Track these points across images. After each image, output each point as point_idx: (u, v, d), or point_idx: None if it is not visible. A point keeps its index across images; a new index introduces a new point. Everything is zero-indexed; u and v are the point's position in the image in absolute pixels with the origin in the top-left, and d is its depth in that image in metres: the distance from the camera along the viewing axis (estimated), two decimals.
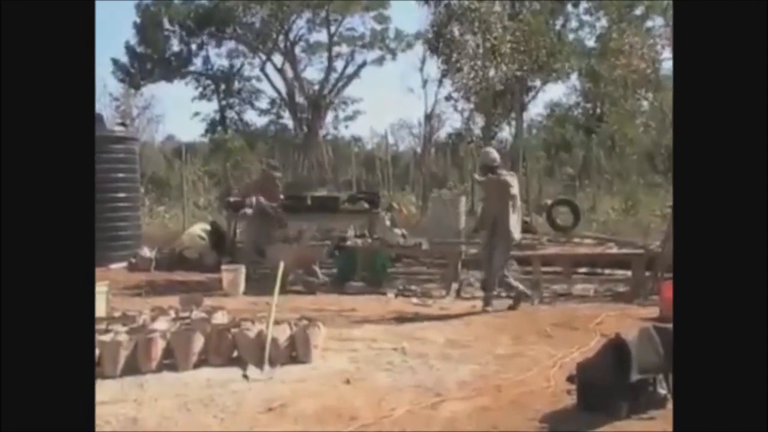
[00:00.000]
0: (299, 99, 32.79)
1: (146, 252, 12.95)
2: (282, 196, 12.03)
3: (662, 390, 4.73)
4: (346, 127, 34.26)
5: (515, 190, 8.67)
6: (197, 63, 33.51)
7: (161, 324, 6.27)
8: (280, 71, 32.72)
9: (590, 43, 23.81)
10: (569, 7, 22.47)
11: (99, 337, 5.74)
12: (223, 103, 34.03)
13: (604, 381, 4.70)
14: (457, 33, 16.42)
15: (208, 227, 13.57)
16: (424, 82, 29.68)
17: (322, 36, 32.49)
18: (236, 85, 34.09)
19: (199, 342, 5.90)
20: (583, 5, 23.22)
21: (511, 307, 8.68)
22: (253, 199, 11.40)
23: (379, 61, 32.78)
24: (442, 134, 32.14)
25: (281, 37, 31.77)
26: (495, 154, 9.09)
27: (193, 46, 32.94)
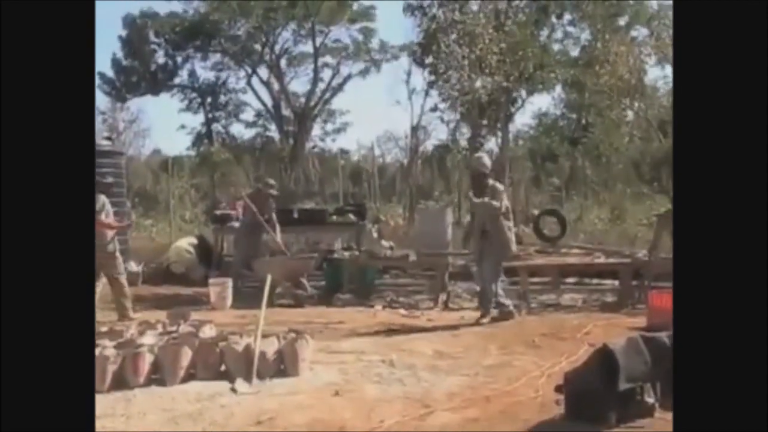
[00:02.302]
0: (285, 112, 32.72)
1: (133, 266, 12.90)
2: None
3: (650, 399, 4.75)
4: (333, 140, 34.25)
5: (505, 202, 8.64)
6: (183, 76, 33.44)
7: (148, 338, 6.26)
8: (266, 84, 32.70)
9: (575, 53, 23.97)
10: (553, 18, 22.60)
11: None
12: (210, 116, 33.92)
13: (592, 390, 4.71)
14: (444, 44, 16.51)
15: (195, 241, 13.56)
16: (410, 94, 29.84)
17: (307, 48, 32.52)
18: (222, 98, 33.95)
19: (186, 356, 5.87)
20: (567, 17, 23.39)
21: (494, 319, 8.61)
22: (240, 211, 11.41)
23: (364, 72, 32.79)
24: (429, 146, 32.32)
25: (267, 50, 31.76)
26: (486, 160, 9.01)
27: (179, 59, 32.84)
